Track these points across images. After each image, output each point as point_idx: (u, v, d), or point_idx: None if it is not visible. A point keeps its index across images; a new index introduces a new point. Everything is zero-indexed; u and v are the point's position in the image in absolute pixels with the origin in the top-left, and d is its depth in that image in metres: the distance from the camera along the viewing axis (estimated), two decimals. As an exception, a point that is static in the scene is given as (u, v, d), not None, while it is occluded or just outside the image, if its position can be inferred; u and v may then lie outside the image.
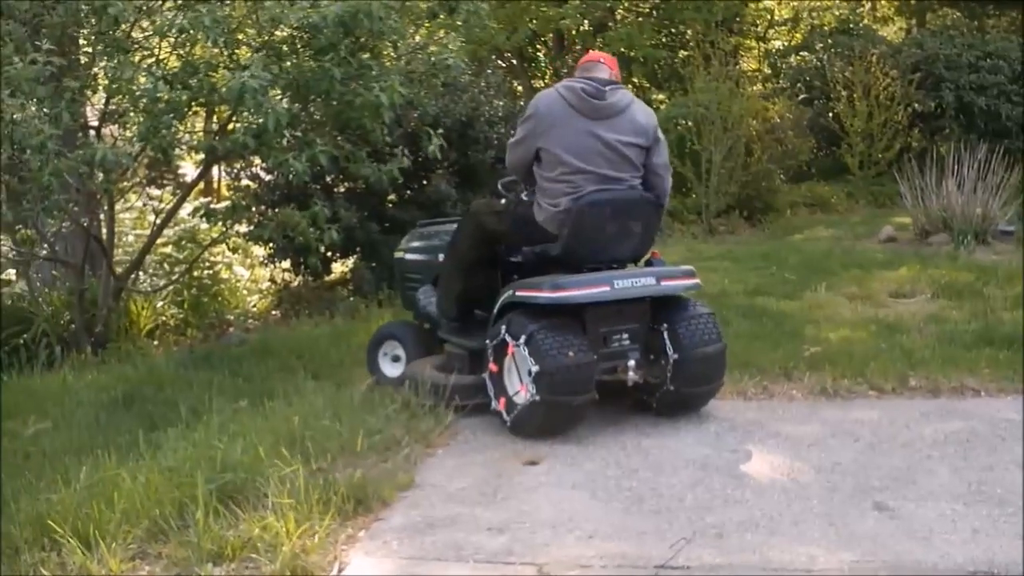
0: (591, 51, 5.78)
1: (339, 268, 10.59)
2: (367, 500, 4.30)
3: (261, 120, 6.63)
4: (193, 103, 7.03)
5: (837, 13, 24.38)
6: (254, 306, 10.75)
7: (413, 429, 5.25)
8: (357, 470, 4.51)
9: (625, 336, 5.23)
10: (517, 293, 5.13)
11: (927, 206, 11.63)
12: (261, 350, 7.26)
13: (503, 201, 5.61)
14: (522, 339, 4.94)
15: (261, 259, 10.68)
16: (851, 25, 20.52)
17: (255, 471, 4.39)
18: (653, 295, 5.23)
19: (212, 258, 10.57)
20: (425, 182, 9.51)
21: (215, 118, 8.20)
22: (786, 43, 23.16)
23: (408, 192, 9.72)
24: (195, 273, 10.07)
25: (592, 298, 4.99)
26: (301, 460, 4.45)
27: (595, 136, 5.12)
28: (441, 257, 5.91)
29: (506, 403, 5.11)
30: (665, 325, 5.23)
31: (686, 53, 16.79)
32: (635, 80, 19.80)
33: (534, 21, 17.74)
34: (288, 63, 7.11)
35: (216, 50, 7.14)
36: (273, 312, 10.25)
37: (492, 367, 5.19)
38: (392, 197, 9.83)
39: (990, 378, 5.95)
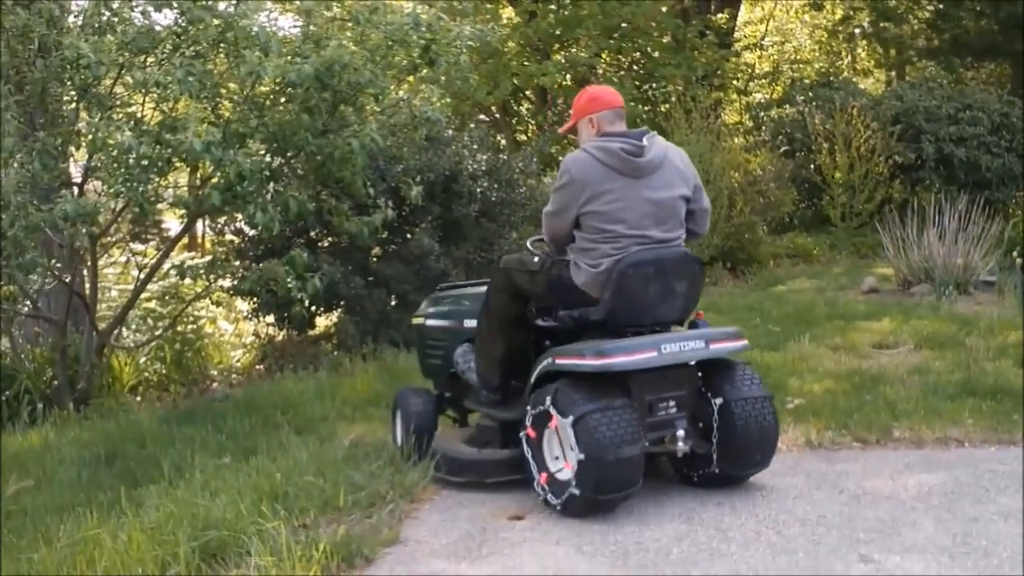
0: (590, 88, 5.39)
1: (323, 322, 10.57)
2: (350, 557, 4.26)
3: (224, 174, 6.65)
4: (173, 159, 7.04)
5: (817, 66, 24.71)
6: (238, 361, 10.72)
7: (398, 484, 5.22)
8: (340, 526, 4.48)
9: (672, 404, 4.85)
10: (557, 361, 4.77)
11: (909, 257, 11.70)
12: (245, 405, 7.23)
13: (536, 260, 5.14)
14: (570, 418, 4.56)
15: (245, 313, 10.67)
16: (831, 78, 20.77)
17: (237, 528, 4.36)
18: (702, 359, 4.91)
19: (196, 313, 10.55)
20: (409, 236, 9.53)
21: (199, 173, 8.22)
22: (767, 96, 23.41)
23: (392, 246, 9.74)
24: (179, 328, 10.05)
25: (639, 365, 4.64)
26: (284, 517, 4.42)
27: (642, 198, 4.80)
28: (467, 323, 5.63)
29: (548, 480, 4.71)
30: (720, 400, 4.86)
31: (667, 107, 16.92)
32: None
33: (516, 76, 17.88)
34: (267, 117, 7.14)
35: (199, 105, 7.18)
36: (257, 367, 10.22)
37: (530, 432, 4.81)
38: (376, 251, 9.84)
39: (974, 429, 5.96)
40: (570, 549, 4.39)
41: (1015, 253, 12.02)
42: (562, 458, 4.67)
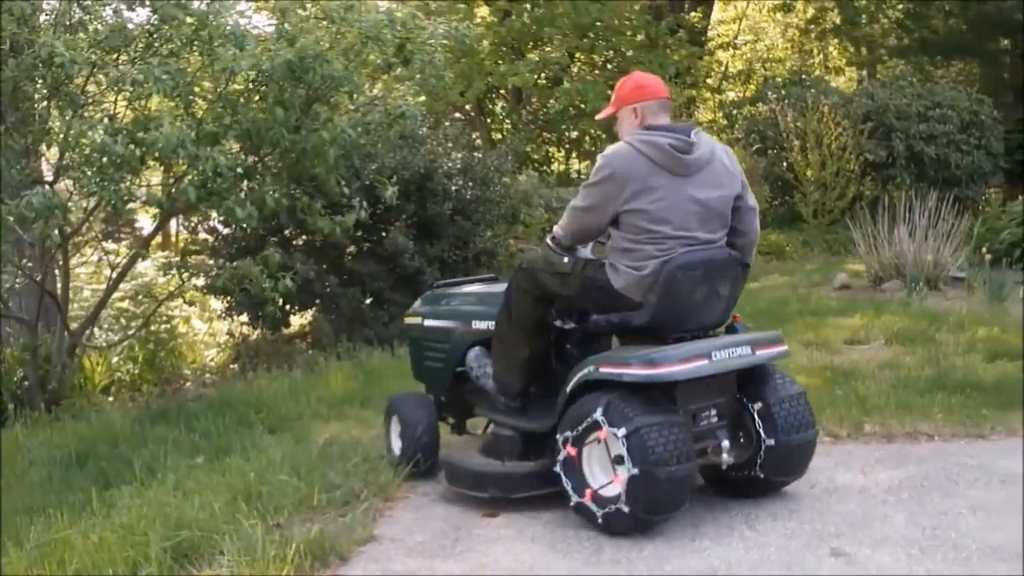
0: (636, 74, 5.05)
1: (298, 321, 10.55)
2: (324, 556, 4.26)
3: (198, 172, 6.63)
4: (146, 157, 7.01)
5: (789, 65, 24.84)
6: (212, 360, 10.68)
7: (372, 483, 5.22)
8: (314, 525, 4.47)
9: (714, 413, 4.63)
10: (602, 369, 4.44)
11: (880, 253, 11.78)
12: (218, 405, 7.21)
13: (566, 260, 4.78)
14: (624, 431, 4.27)
15: (219, 312, 10.63)
16: (803, 76, 20.87)
17: (210, 528, 4.35)
18: (749, 366, 4.69)
19: (169, 312, 10.51)
20: (383, 234, 9.53)
21: (172, 171, 8.20)
22: (740, 94, 23.50)
23: (366, 244, 9.73)
24: (152, 327, 10.00)
25: (691, 374, 4.35)
26: (258, 516, 4.41)
27: (688, 197, 4.52)
28: (477, 324, 5.31)
29: (594, 496, 4.39)
30: (759, 404, 4.67)
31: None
32: (592, 132, 20.03)
33: (490, 76, 17.89)
34: (240, 115, 7.12)
35: (172, 103, 7.16)
36: (231, 366, 10.18)
37: (570, 451, 4.48)
38: (351, 249, 9.83)
39: (943, 423, 6.01)
40: (544, 546, 4.40)
41: (984, 249, 12.13)
42: (609, 472, 4.38)
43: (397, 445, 5.46)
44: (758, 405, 4.67)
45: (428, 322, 5.64)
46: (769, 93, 19.55)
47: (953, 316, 9.28)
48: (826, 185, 16.21)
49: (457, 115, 18.63)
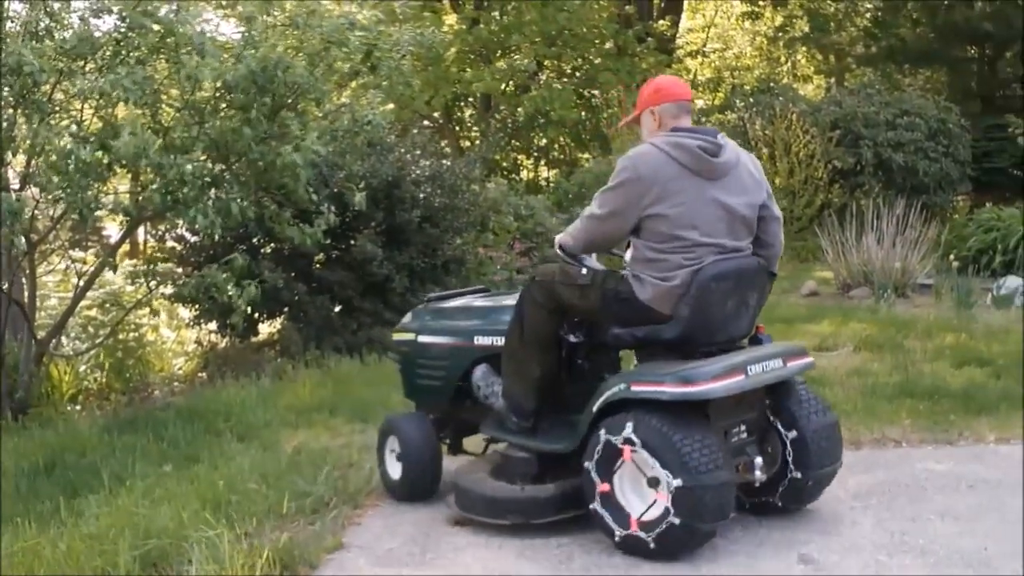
0: (658, 77, 4.89)
1: (266, 329, 10.51)
2: (293, 564, 4.25)
3: (164, 180, 6.60)
4: (114, 164, 6.97)
5: (758, 73, 24.98)
6: (180, 369, 10.63)
7: (341, 490, 5.21)
8: (283, 533, 4.46)
9: (744, 429, 4.47)
10: (634, 388, 4.20)
11: (848, 260, 11.86)
12: (186, 413, 7.16)
13: (584, 272, 4.54)
14: (660, 447, 4.07)
15: (187, 321, 10.57)
16: (771, 84, 20.98)
17: (179, 536, 4.33)
18: (780, 380, 4.52)
19: (137, 320, 10.44)
20: (352, 242, 9.50)
21: (140, 179, 8.15)
22: (709, 103, 23.60)
23: (335, 252, 9.70)
24: (120, 336, 9.94)
25: (728, 390, 4.16)
26: (226, 524, 4.38)
27: (716, 202, 4.33)
28: (480, 340, 5.02)
29: (640, 523, 4.16)
30: (795, 434, 4.50)
31: (608, 113, 17.03)
32: (561, 141, 20.08)
33: (457, 83, 17.91)
34: (208, 123, 7.09)
35: (139, 111, 7.12)
36: (199, 374, 10.13)
37: (603, 488, 4.26)
38: (319, 257, 9.81)
39: (911, 429, 6.06)
40: (513, 553, 4.40)
41: (951, 256, 12.24)
42: (644, 494, 4.19)
43: (396, 468, 5.15)
44: (793, 434, 4.50)
45: (423, 338, 5.29)
46: (737, 101, 19.64)
47: (921, 323, 9.36)
48: (794, 192, 16.28)
49: (426, 123, 18.64)
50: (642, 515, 4.16)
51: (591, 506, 4.30)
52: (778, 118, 16.45)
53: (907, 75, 24.68)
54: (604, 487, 4.25)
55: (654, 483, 4.12)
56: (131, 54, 7.37)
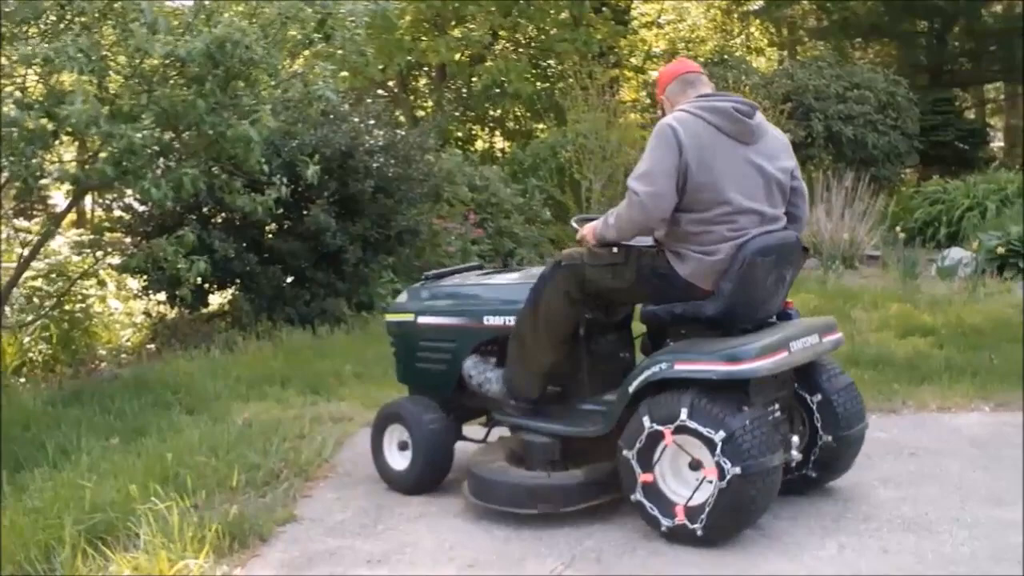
0: (663, 68, 4.78)
1: (217, 300, 10.42)
2: (244, 536, 4.24)
3: (112, 149, 6.50)
4: (60, 132, 6.86)
5: (712, 45, 25.03)
6: (128, 340, 10.51)
7: (292, 462, 5.20)
8: (234, 506, 4.44)
9: (777, 407, 4.32)
10: (678, 367, 4.04)
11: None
12: (134, 385, 7.09)
13: (615, 251, 4.37)
14: (720, 435, 3.90)
15: (135, 291, 10.46)
16: (725, 56, 21.03)
17: (127, 510, 4.30)
18: (818, 356, 4.47)
19: (84, 291, 10.30)
20: (305, 212, 9.44)
21: (87, 147, 8.02)
22: (662, 74, 23.60)
23: (287, 222, 9.63)
24: (66, 307, 9.80)
25: (775, 368, 4.05)
26: (175, 497, 4.35)
27: (753, 165, 4.23)
28: (489, 320, 4.78)
29: (686, 511, 4.02)
30: (819, 396, 4.46)
31: (564, 84, 17.00)
32: (516, 111, 20.02)
33: (411, 52, 17.79)
34: (158, 92, 6.99)
35: (86, 78, 7.00)
36: (148, 346, 10.03)
37: (645, 478, 4.10)
38: (271, 227, 9.73)
39: (858, 399, 6.13)
40: (466, 523, 4.43)
41: (899, 228, 12.39)
42: (684, 479, 4.07)
43: (400, 459, 4.93)
44: (817, 398, 4.46)
45: (424, 319, 5.03)
46: (691, 73, 19.62)
47: (868, 293, 9.48)
48: (746, 165, 16.34)
49: (380, 92, 18.51)
50: (688, 501, 4.02)
51: (632, 497, 4.14)
52: (731, 90, 16.48)
53: (858, 48, 24.84)
54: (647, 477, 4.10)
55: (696, 466, 4.01)
56: (77, 19, 7.24)
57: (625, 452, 4.14)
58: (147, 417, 6.26)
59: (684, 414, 3.98)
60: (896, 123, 17.73)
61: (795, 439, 4.36)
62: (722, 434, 3.90)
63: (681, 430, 4.00)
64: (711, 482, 3.94)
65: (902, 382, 6.56)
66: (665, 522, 4.06)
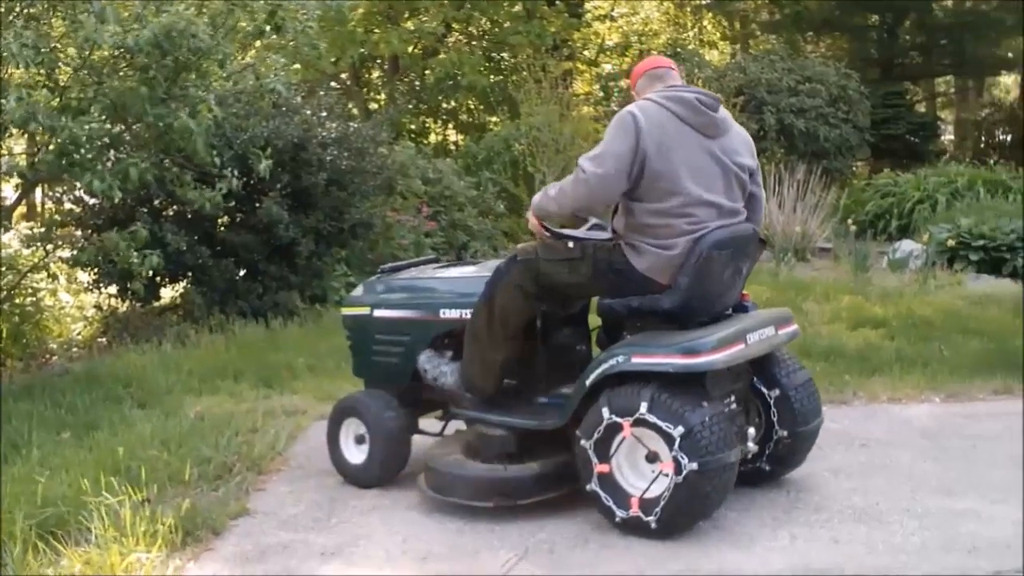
0: (645, 59, 4.81)
1: (169, 293, 10.34)
2: (197, 530, 4.23)
3: (58, 142, 6.43)
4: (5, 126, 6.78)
5: (665, 38, 25.09)
6: (79, 334, 10.40)
7: (245, 456, 5.19)
8: (186, 500, 4.41)
9: (733, 399, 4.34)
10: (635, 360, 4.06)
11: (750, 224, 12.01)
12: (86, 380, 7.03)
13: (571, 245, 4.37)
14: (679, 429, 3.92)
15: (86, 285, 10.35)
16: (678, 50, 21.09)
17: (78, 505, 4.27)
18: (773, 348, 4.49)
19: (35, 285, 10.18)
20: (257, 205, 9.38)
21: (37, 140, 7.93)
22: (616, 67, 23.68)
23: (240, 215, 9.56)
24: (16, 300, 9.68)
25: (732, 360, 4.08)
26: (127, 491, 4.32)
27: (714, 157, 4.23)
28: (445, 313, 4.77)
29: (641, 503, 4.05)
30: (776, 392, 4.49)
31: (517, 77, 17.00)
32: (470, 104, 19.99)
33: (364, 45, 17.71)
34: (107, 83, 6.92)
35: (34, 71, 6.92)
36: (99, 340, 9.93)
37: (601, 468, 4.11)
38: (223, 220, 9.66)
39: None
40: (419, 515, 4.45)
41: (850, 221, 12.52)
42: (640, 471, 4.10)
43: (356, 453, 4.90)
44: (775, 393, 4.49)
45: (380, 312, 5.01)
46: (644, 66, 19.66)
47: (819, 286, 9.56)
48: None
49: (333, 84, 18.41)
50: (643, 494, 4.05)
51: (588, 487, 4.16)
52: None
53: (810, 42, 25.01)
54: (603, 468, 4.12)
55: (653, 458, 4.04)
56: (24, 10, 7.15)
57: (583, 442, 4.15)
58: (98, 411, 6.21)
59: (644, 407, 3.99)
60: (847, 116, 17.87)
61: (751, 431, 4.39)
62: (681, 429, 3.91)
63: (640, 423, 4.02)
64: (667, 476, 3.96)
65: (853, 373, 6.64)
66: (620, 513, 4.08)
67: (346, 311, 5.28)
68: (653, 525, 4.02)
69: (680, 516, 4.02)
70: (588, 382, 4.18)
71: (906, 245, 11.43)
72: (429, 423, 5.11)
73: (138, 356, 7.75)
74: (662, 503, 3.98)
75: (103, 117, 6.84)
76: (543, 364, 4.66)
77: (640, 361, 4.04)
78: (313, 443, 5.25)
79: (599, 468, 4.12)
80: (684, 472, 3.91)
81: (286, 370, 7.14)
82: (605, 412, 4.09)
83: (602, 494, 4.13)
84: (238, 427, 5.65)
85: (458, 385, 4.66)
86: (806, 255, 11.76)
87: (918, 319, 8.10)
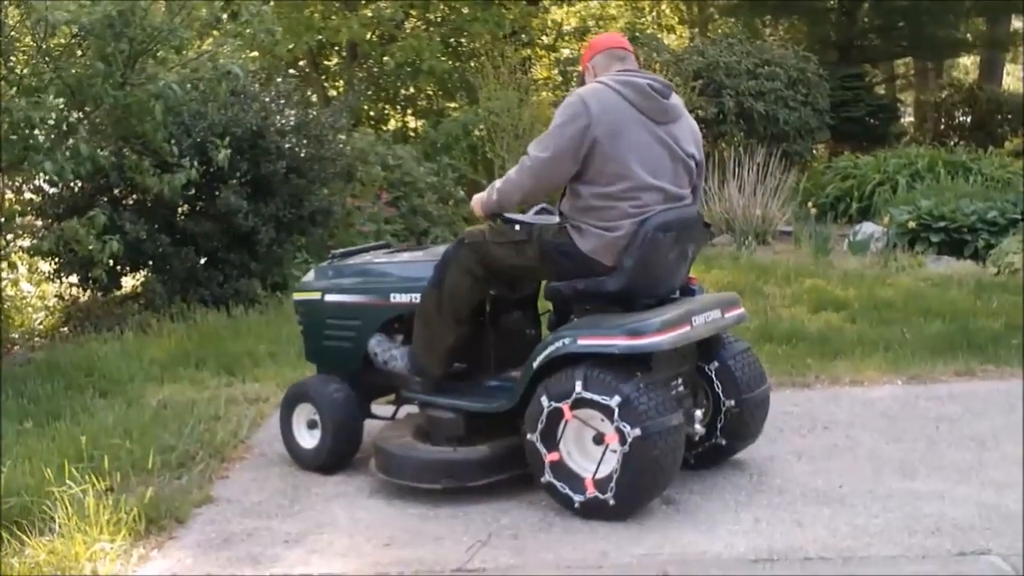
0: (594, 38, 4.84)
1: (130, 282, 10.27)
2: (160, 519, 4.23)
3: (13, 125, 6.37)
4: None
5: (623, 23, 25.13)
6: (40, 323, 10.31)
7: (208, 444, 5.18)
8: (149, 488, 4.40)
9: (680, 381, 4.41)
10: (581, 342, 4.10)
11: (710, 209, 12.08)
12: (47, 369, 6.97)
13: (518, 228, 4.41)
14: (615, 400, 3.99)
15: (47, 274, 10.26)
16: (636, 34, 21.11)
17: (41, 494, 4.25)
18: (720, 331, 4.54)
19: (-6, 275, 10.08)
20: (216, 193, 9.33)
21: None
22: (575, 52, 23.69)
23: (200, 203, 9.51)
24: (-26, 291, 9.59)
25: (677, 341, 4.12)
26: (91, 480, 4.31)
27: (663, 143, 4.28)
28: (396, 297, 4.81)
29: (596, 483, 4.10)
30: (715, 364, 4.55)
31: (476, 63, 16.97)
32: (429, 91, 19.93)
33: (322, 31, 17.61)
34: (62, 69, 6.85)
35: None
36: (61, 329, 9.86)
37: (552, 457, 4.16)
38: (183, 208, 9.60)
39: (770, 373, 6.13)
40: (382, 502, 4.46)
41: (810, 204, 12.61)
42: (588, 453, 4.16)
43: (309, 438, 4.93)
44: (714, 365, 4.55)
45: (331, 297, 5.05)
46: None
47: (780, 269, 9.63)
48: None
49: (291, 71, 18.30)
50: (595, 474, 4.09)
51: (542, 479, 4.20)
52: (642, 67, 16.54)
53: (768, 25, 25.11)
54: (553, 456, 4.16)
55: (599, 439, 4.09)
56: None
57: (529, 436, 4.21)
58: (61, 400, 6.16)
59: (579, 387, 4.06)
60: (807, 99, 17.93)
61: (698, 413, 4.44)
62: (617, 399, 3.98)
63: (579, 403, 4.08)
64: (615, 451, 4.01)
65: (815, 356, 6.69)
66: (577, 498, 4.13)
67: (297, 296, 5.32)
68: (611, 502, 4.06)
69: (635, 488, 4.05)
70: (536, 364, 4.22)
71: (867, 227, 11.52)
72: (382, 407, 5.13)
73: (100, 345, 7.70)
74: (615, 477, 4.02)
75: (59, 101, 6.77)
76: (492, 347, 4.72)
77: (586, 343, 4.09)
78: (275, 431, 5.24)
79: (549, 457, 4.17)
80: (629, 440, 3.96)
81: (248, 358, 7.12)
82: (544, 400, 4.15)
83: (556, 483, 4.17)
84: (200, 415, 5.63)
85: (408, 368, 4.71)
86: (767, 238, 11.83)
87: (879, 301, 8.18)
